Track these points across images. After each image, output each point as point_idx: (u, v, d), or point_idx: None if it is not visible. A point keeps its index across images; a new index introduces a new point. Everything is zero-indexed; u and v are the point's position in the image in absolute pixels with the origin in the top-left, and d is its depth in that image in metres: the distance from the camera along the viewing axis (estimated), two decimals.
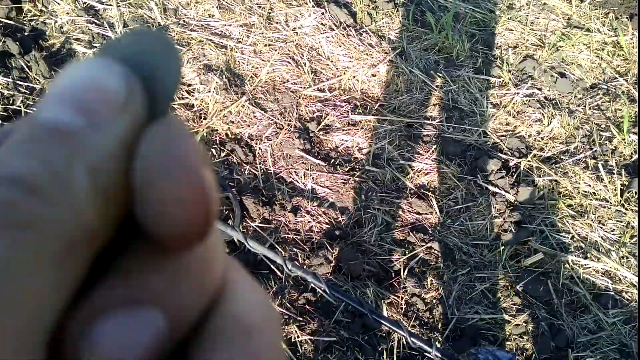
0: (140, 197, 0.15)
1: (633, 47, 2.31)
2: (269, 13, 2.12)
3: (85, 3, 2.02)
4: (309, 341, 1.36)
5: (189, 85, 1.87)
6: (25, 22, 1.93)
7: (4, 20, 1.89)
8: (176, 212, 0.15)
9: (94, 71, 0.16)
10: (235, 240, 1.50)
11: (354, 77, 1.99)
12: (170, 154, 0.15)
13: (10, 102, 1.73)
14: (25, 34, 1.88)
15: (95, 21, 1.97)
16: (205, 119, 1.78)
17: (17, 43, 1.80)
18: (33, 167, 0.14)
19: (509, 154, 1.86)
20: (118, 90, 0.16)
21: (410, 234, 1.63)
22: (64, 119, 0.15)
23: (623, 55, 2.26)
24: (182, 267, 0.16)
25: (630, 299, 1.59)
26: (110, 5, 2.02)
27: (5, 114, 1.69)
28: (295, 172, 1.72)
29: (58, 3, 1.98)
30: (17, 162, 0.14)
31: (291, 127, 1.81)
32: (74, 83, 0.16)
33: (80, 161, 0.15)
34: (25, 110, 1.69)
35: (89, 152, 0.15)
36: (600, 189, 1.81)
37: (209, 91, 1.83)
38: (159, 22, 2.02)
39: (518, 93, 2.02)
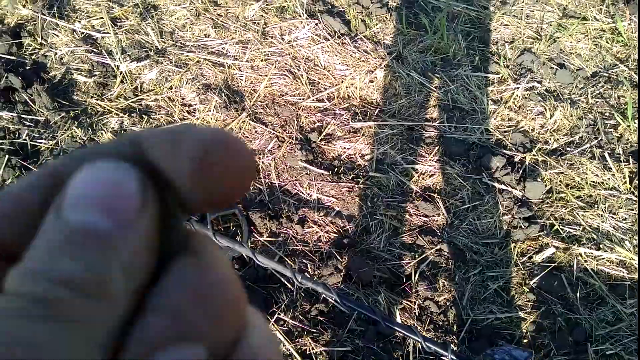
0: (196, 179, 0.18)
1: (632, 32, 2.29)
2: (264, 28, 2.14)
3: (83, 33, 2.05)
4: (323, 352, 1.36)
5: (190, 105, 1.89)
6: (26, 57, 1.97)
7: (5, 56, 1.93)
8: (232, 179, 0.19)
9: (112, 174, 0.18)
10: (245, 256, 1.50)
11: (352, 84, 1.99)
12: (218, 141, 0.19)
13: (17, 135, 1.76)
14: (27, 68, 1.92)
15: (94, 50, 2.01)
16: None
17: (20, 77, 1.84)
18: (78, 270, 0.16)
19: (513, 149, 1.85)
20: (136, 191, 0.18)
21: (419, 237, 1.63)
22: (94, 222, 0.17)
23: (622, 41, 2.24)
24: (220, 302, 0.19)
25: None
26: (107, 33, 2.05)
27: (12, 147, 1.72)
28: (299, 183, 1.73)
29: (57, 35, 2.02)
30: (64, 264, 0.16)
31: (293, 139, 1.82)
32: (96, 186, 0.18)
33: (116, 262, 0.17)
34: (31, 142, 1.73)
35: (122, 252, 0.17)
36: (608, 178, 1.79)
37: (210, 110, 1.85)
38: (156, 46, 2.05)
39: (518, 87, 2.01)
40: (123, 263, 0.17)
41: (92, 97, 1.88)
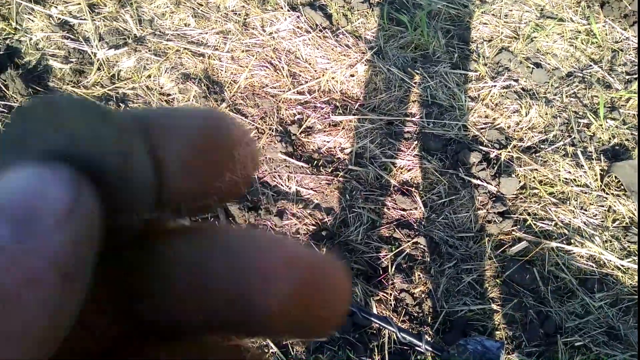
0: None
1: (606, 34, 2.35)
2: (245, 19, 2.13)
3: (59, 19, 2.01)
4: (300, 343, 1.37)
5: (168, 95, 1.87)
6: None
7: None
8: None
9: (34, 180, 0.15)
10: None
11: (333, 78, 2.00)
12: None
13: None
14: (0, 52, 1.87)
15: (71, 36, 1.97)
16: None
17: None
18: None
19: (489, 146, 1.88)
20: (61, 198, 0.14)
21: (396, 230, 1.65)
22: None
23: (596, 42, 2.29)
24: None
25: (615, 281, 1.62)
26: (84, 19, 2.01)
27: None
28: (279, 175, 1.73)
29: (32, 20, 1.97)
30: None
31: (272, 131, 1.82)
32: (13, 193, 0.14)
33: (20, 273, 0.13)
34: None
35: (28, 263, 0.13)
36: (580, 175, 1.83)
37: (189, 100, 1.83)
38: (135, 34, 2.02)
39: (495, 85, 2.05)
40: (32, 276, 0.13)
41: (67, 84, 1.84)
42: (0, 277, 0.13)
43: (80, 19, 2.02)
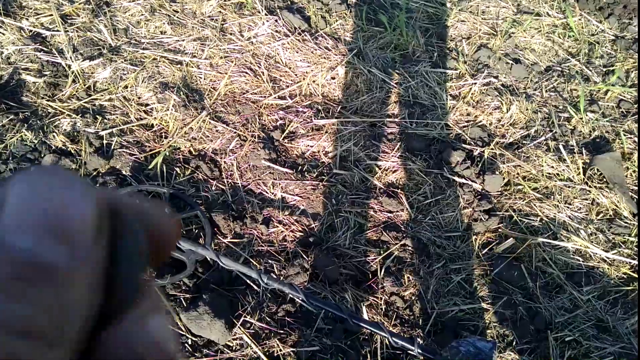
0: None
1: (582, 27, 2.37)
2: (222, 25, 2.10)
3: (31, 31, 1.96)
4: (292, 353, 1.35)
5: (147, 105, 1.83)
6: None
7: None
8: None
9: (67, 193, 0.15)
10: (208, 259, 1.47)
11: (314, 81, 1.98)
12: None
13: None
14: None
15: (44, 48, 1.92)
16: (166, 137, 1.75)
17: None
18: (31, 313, 0.14)
19: (472, 143, 1.88)
20: (93, 215, 0.16)
21: (384, 233, 1.64)
22: (46, 253, 0.15)
23: (573, 36, 2.32)
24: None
25: (602, 274, 1.63)
26: (57, 31, 1.96)
27: None
28: (263, 182, 1.70)
29: (2, 33, 1.92)
30: (14, 307, 0.14)
31: (255, 137, 1.80)
32: (46, 206, 0.15)
33: (72, 301, 0.15)
34: None
35: (78, 289, 0.15)
36: (563, 170, 1.85)
37: (168, 109, 1.80)
38: (110, 44, 1.97)
39: (475, 83, 2.05)
40: (79, 301, 0.15)
41: (42, 98, 1.79)
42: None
43: (53, 31, 1.97)
